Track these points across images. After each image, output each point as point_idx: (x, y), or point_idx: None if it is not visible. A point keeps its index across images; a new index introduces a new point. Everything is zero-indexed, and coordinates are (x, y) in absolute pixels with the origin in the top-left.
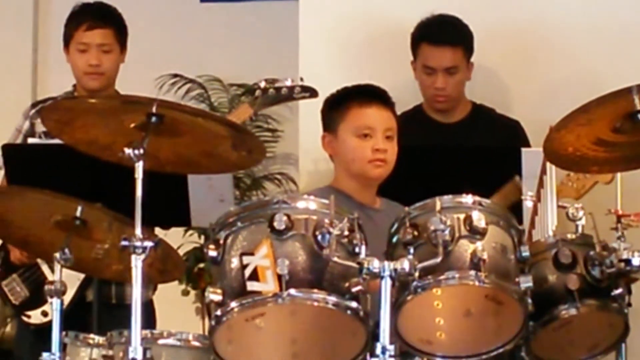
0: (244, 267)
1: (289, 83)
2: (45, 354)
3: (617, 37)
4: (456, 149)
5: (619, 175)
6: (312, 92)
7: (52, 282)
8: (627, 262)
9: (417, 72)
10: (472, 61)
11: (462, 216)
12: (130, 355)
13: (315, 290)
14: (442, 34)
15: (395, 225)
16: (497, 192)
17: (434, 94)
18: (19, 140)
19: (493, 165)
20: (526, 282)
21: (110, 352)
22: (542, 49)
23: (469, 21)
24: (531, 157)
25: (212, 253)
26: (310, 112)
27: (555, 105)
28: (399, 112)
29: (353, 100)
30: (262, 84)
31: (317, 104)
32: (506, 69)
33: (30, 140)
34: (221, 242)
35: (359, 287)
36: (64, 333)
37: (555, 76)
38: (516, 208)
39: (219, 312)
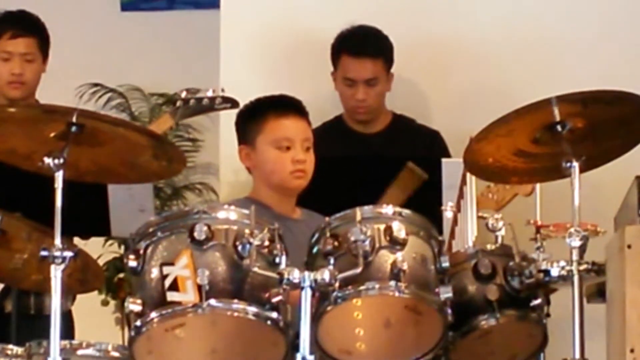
0: (164, 277)
1: (210, 94)
2: None
3: (536, 48)
4: (376, 159)
5: (538, 186)
6: (233, 103)
7: None
8: (546, 272)
9: (337, 83)
10: (392, 72)
11: (382, 227)
12: None
13: (236, 301)
14: (363, 46)
15: (316, 236)
16: (393, 183)
17: (354, 105)
18: None
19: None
20: (446, 292)
21: None
22: (461, 60)
23: (388, 32)
24: (451, 167)
25: (132, 263)
26: (231, 122)
27: (475, 116)
28: (319, 123)
29: (269, 112)
30: (184, 94)
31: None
32: (426, 80)
33: None
34: (141, 252)
35: (279, 298)
36: None
37: (474, 87)
38: (419, 197)
39: (138, 323)
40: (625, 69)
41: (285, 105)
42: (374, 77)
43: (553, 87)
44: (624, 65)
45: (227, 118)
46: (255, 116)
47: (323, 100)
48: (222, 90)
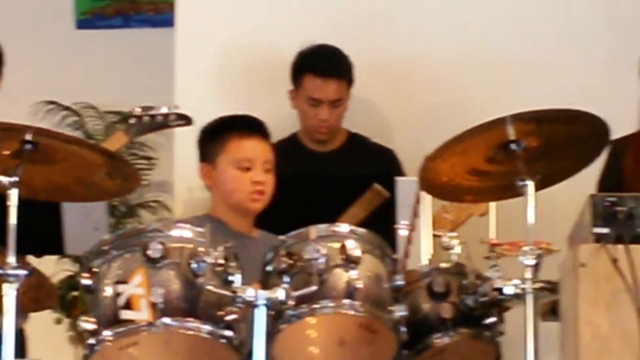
0: (117, 295)
1: (164, 110)
2: None
3: (492, 68)
4: (332, 178)
5: (492, 204)
6: (187, 120)
7: None
8: (500, 291)
9: (298, 101)
10: (356, 93)
11: (337, 245)
12: None
13: (190, 319)
14: (329, 67)
15: (270, 254)
16: (356, 202)
17: (317, 124)
18: None
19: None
20: (400, 310)
21: None
22: (418, 80)
23: (347, 52)
24: (406, 186)
25: (86, 281)
26: (185, 139)
27: (432, 135)
28: (274, 141)
29: (232, 132)
30: (137, 111)
31: (193, 131)
32: (384, 99)
33: None
34: (95, 270)
35: (233, 316)
36: None
37: (431, 106)
38: (380, 214)
39: (92, 341)
40: (578, 88)
41: (248, 126)
42: (339, 98)
43: (508, 106)
44: (578, 84)
45: (182, 136)
46: (217, 135)
47: (280, 119)
48: (176, 107)
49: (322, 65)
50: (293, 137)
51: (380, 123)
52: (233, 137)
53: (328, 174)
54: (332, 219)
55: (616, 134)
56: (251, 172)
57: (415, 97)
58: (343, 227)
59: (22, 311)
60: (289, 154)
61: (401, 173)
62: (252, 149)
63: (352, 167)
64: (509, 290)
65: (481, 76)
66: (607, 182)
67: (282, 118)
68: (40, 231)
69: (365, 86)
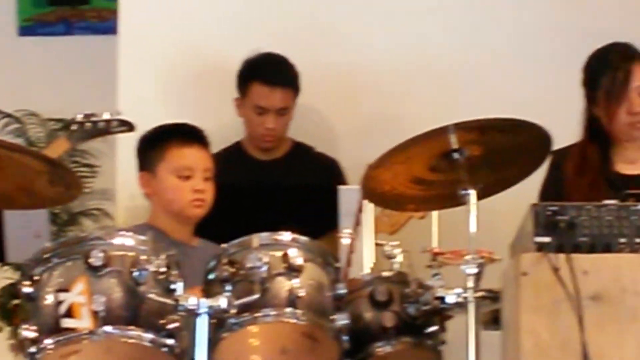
0: (59, 303)
1: (106, 117)
2: None
3: (435, 77)
4: (275, 187)
5: (434, 213)
6: (129, 126)
7: None
8: (442, 299)
9: (244, 109)
10: (299, 101)
11: (279, 253)
12: None
13: (131, 327)
14: (277, 75)
15: (212, 262)
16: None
17: (263, 133)
18: None
19: (311, 202)
20: (342, 319)
21: None
22: (362, 89)
23: (292, 60)
24: (348, 194)
25: (27, 289)
26: (128, 147)
27: (376, 144)
28: (219, 149)
29: (172, 140)
30: (79, 118)
31: (135, 139)
32: (328, 108)
33: None
34: (36, 278)
35: (175, 324)
36: None
37: (375, 115)
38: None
39: (33, 349)
40: (522, 98)
41: (187, 134)
42: (285, 107)
43: (451, 115)
44: (522, 93)
45: (125, 143)
46: (157, 144)
47: (223, 126)
48: (118, 113)
49: (269, 73)
50: (237, 145)
51: (324, 132)
52: (173, 146)
53: (271, 182)
54: (275, 227)
55: (560, 143)
56: (191, 181)
57: (359, 106)
58: (285, 236)
59: None
60: (233, 162)
61: (344, 183)
62: (192, 157)
63: (296, 175)
64: (450, 299)
65: (425, 85)
66: (549, 192)
67: (227, 126)
68: None
69: (310, 95)
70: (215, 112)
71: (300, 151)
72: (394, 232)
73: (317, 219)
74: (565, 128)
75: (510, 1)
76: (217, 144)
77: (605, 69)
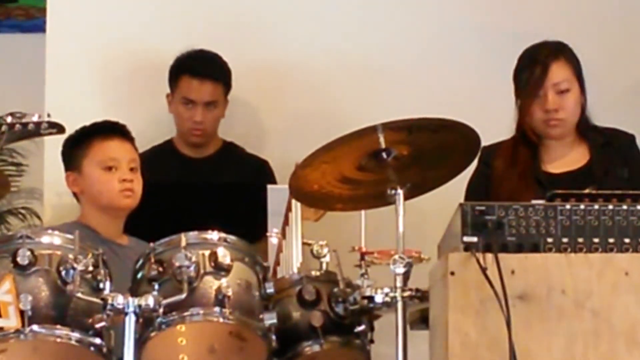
0: None
1: (35, 119)
2: None
3: (365, 75)
4: (204, 185)
5: (363, 213)
6: (59, 128)
7: None
8: (370, 299)
9: (174, 104)
10: (228, 98)
11: (207, 252)
12: None
13: (58, 326)
14: (205, 68)
15: (140, 261)
16: None
17: (191, 127)
18: None
19: (240, 201)
20: (270, 318)
21: None
22: (292, 87)
23: (225, 57)
24: (277, 194)
25: None
26: (55, 146)
27: (305, 143)
28: (150, 147)
29: (94, 137)
30: (9, 119)
31: (63, 138)
32: (259, 106)
33: None
34: None
35: (102, 323)
36: None
37: (305, 114)
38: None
39: None
40: (450, 97)
41: (109, 129)
42: (213, 100)
43: (380, 114)
44: (451, 92)
45: (52, 142)
46: (80, 142)
47: (154, 124)
48: (48, 115)
49: (198, 66)
50: (168, 143)
51: (254, 130)
52: (95, 141)
53: (201, 180)
54: (204, 226)
55: (489, 141)
56: (117, 172)
57: (289, 104)
58: (213, 235)
59: None
60: (163, 159)
61: (274, 184)
62: (115, 148)
63: (226, 174)
64: (379, 298)
65: (354, 83)
66: (476, 190)
67: (158, 124)
68: None
69: (241, 93)
70: (146, 111)
71: (231, 150)
72: (317, 219)
73: (247, 218)
74: (493, 127)
75: (438, 2)
76: (148, 142)
77: (526, 64)
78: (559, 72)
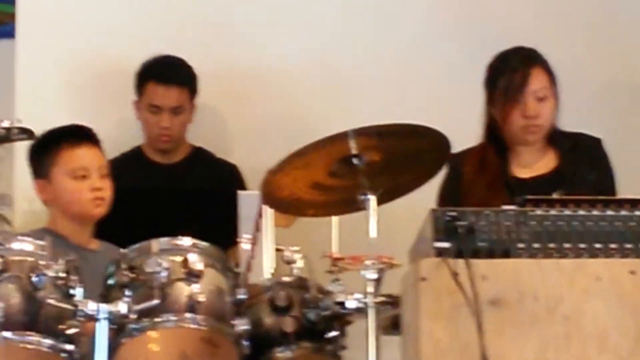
0: None
1: (5, 124)
2: None
3: (336, 81)
4: (175, 191)
5: (335, 219)
6: (29, 134)
7: None
8: (342, 304)
9: (141, 111)
10: (195, 103)
11: (179, 258)
12: None
13: (30, 333)
14: (170, 74)
15: (111, 268)
16: None
17: (158, 132)
18: None
19: (211, 207)
20: (242, 324)
21: None
22: (263, 92)
23: (191, 63)
24: (248, 199)
25: None
26: (25, 151)
27: (276, 148)
28: (119, 153)
29: (62, 143)
30: None
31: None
32: (227, 111)
33: None
34: None
35: (74, 330)
36: None
37: (275, 119)
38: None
39: None
40: (421, 102)
41: (77, 135)
42: (179, 105)
43: (351, 119)
44: (422, 97)
45: (22, 148)
46: (48, 149)
47: (123, 130)
48: (19, 120)
49: (164, 72)
50: (136, 149)
51: (223, 135)
52: (64, 148)
53: (171, 186)
54: (174, 232)
55: (460, 146)
56: (88, 180)
57: (258, 109)
58: (185, 241)
59: None
60: (132, 166)
61: (244, 188)
62: (85, 156)
63: (195, 179)
64: (351, 304)
65: (323, 89)
66: (447, 196)
67: (127, 130)
68: None
69: (209, 98)
70: (115, 116)
71: (200, 156)
72: (288, 225)
73: (217, 224)
74: (464, 133)
75: (410, 7)
76: (118, 148)
77: (504, 70)
78: (538, 80)
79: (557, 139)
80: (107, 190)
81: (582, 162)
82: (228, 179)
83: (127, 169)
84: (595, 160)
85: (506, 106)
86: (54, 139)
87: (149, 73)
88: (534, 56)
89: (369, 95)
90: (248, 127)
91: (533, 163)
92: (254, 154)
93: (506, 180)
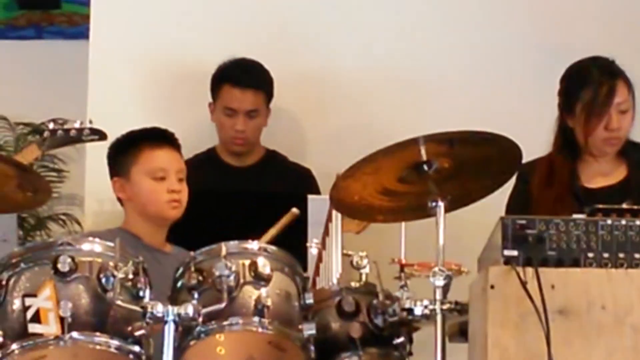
0: (26, 308)
1: (77, 125)
2: None
3: (409, 86)
4: (247, 194)
5: (403, 224)
6: (101, 135)
7: None
8: (410, 311)
9: (216, 113)
10: (270, 107)
11: (247, 262)
12: None
13: (98, 334)
14: (246, 77)
15: (180, 270)
16: (275, 225)
17: (233, 135)
18: None
19: (281, 211)
20: (309, 329)
21: None
22: (336, 98)
23: (268, 66)
24: (317, 204)
25: None
26: (97, 153)
27: (348, 153)
28: (193, 155)
29: (143, 143)
30: (51, 125)
31: (104, 144)
32: (302, 116)
33: None
34: (3, 283)
35: (141, 331)
36: None
37: (348, 124)
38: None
39: None
40: (492, 110)
41: (158, 137)
42: (255, 109)
43: (423, 127)
44: (492, 106)
45: (94, 149)
46: (129, 148)
47: (196, 133)
48: (90, 122)
49: (240, 75)
50: (211, 151)
51: (298, 140)
52: (145, 148)
53: (244, 190)
54: (246, 235)
55: (529, 157)
56: (166, 182)
57: (332, 115)
58: (254, 245)
59: None
60: (206, 168)
61: (317, 193)
62: (165, 158)
63: (269, 183)
64: (418, 310)
65: (397, 96)
66: (515, 206)
67: (201, 132)
68: None
69: (285, 102)
70: (188, 118)
71: (274, 159)
72: (360, 232)
73: (289, 228)
74: (535, 141)
75: (483, 14)
76: (191, 150)
77: (587, 83)
78: (621, 93)
79: (627, 149)
80: (183, 193)
81: None
82: (301, 182)
83: (201, 171)
84: None
85: (591, 119)
86: (136, 138)
87: (225, 76)
88: (616, 68)
89: (442, 103)
90: (323, 132)
91: (603, 173)
92: (328, 159)
93: (574, 191)
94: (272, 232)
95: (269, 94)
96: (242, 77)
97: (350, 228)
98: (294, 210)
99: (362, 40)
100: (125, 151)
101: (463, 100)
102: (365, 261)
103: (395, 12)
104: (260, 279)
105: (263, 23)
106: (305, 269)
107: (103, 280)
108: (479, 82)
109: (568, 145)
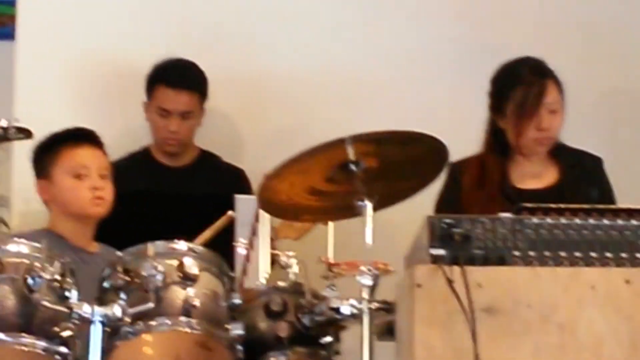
0: None
1: (3, 124)
2: None
3: (340, 87)
4: (180, 194)
5: (330, 224)
6: (27, 133)
7: None
8: (337, 310)
9: (149, 113)
10: (205, 107)
11: (174, 262)
12: None
13: (24, 335)
14: (181, 78)
15: (108, 270)
16: (211, 227)
17: (166, 136)
18: None
19: (212, 212)
20: (237, 329)
21: None
22: (271, 98)
23: (203, 66)
24: (244, 204)
25: None
26: (24, 152)
27: (281, 153)
28: (125, 154)
29: (64, 143)
30: None
31: (32, 145)
32: (239, 116)
33: None
34: None
35: (68, 332)
36: None
37: (281, 124)
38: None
39: None
40: (419, 110)
41: (78, 136)
42: (189, 110)
43: (357, 127)
44: (422, 105)
45: (20, 149)
46: (50, 149)
47: (126, 131)
48: (17, 120)
49: (174, 76)
50: (144, 151)
51: (233, 140)
52: (65, 148)
53: (177, 190)
54: (178, 236)
55: (456, 156)
56: (88, 180)
57: (266, 115)
58: (181, 245)
59: None
60: (139, 167)
61: (250, 193)
62: (85, 156)
63: (202, 184)
64: (345, 309)
65: (329, 97)
66: (445, 205)
67: (132, 131)
68: None
69: (219, 102)
70: (117, 118)
71: (208, 160)
72: (298, 238)
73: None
74: (462, 141)
75: (410, 17)
76: (123, 149)
77: (517, 83)
78: (552, 92)
79: (559, 152)
80: (107, 190)
81: (584, 179)
82: (235, 183)
83: (134, 170)
84: (596, 179)
85: (521, 119)
86: (56, 139)
87: (160, 76)
88: (546, 69)
89: (378, 103)
90: (259, 132)
91: (533, 174)
92: (264, 160)
93: (505, 191)
94: (207, 234)
95: (203, 95)
96: (177, 78)
97: (289, 234)
98: (230, 213)
99: (297, 40)
100: (46, 152)
101: (397, 100)
102: (292, 261)
103: (330, 13)
104: (187, 279)
105: (198, 22)
106: (232, 269)
107: (29, 281)
108: (411, 80)
109: (499, 146)
